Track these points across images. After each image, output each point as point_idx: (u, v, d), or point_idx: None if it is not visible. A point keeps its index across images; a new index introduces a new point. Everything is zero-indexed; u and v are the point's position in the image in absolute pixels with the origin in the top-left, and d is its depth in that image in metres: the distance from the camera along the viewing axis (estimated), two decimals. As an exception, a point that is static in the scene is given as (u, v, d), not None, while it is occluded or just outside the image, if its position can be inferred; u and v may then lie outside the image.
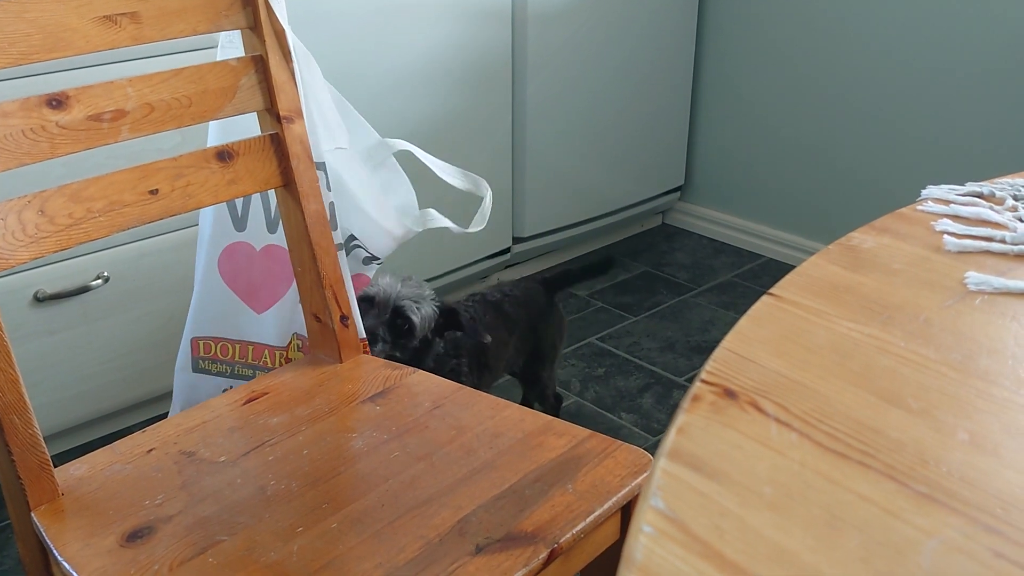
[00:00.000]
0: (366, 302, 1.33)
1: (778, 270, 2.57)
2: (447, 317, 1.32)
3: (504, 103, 2.24)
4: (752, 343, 0.54)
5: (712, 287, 2.48)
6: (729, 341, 0.54)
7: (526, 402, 1.89)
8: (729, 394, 0.49)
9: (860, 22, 2.31)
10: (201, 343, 1.47)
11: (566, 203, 2.47)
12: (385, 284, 1.32)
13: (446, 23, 2.05)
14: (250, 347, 1.47)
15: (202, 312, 1.45)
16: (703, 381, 0.50)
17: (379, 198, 1.41)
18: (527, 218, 2.38)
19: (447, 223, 1.39)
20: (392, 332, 1.30)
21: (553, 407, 1.84)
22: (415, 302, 1.30)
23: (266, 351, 1.46)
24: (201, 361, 1.47)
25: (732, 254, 2.68)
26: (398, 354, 1.30)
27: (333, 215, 1.33)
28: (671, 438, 0.45)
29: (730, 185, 2.72)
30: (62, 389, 1.69)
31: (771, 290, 0.60)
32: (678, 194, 2.80)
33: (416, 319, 1.29)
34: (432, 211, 1.43)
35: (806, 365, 0.52)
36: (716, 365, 0.51)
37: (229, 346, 1.47)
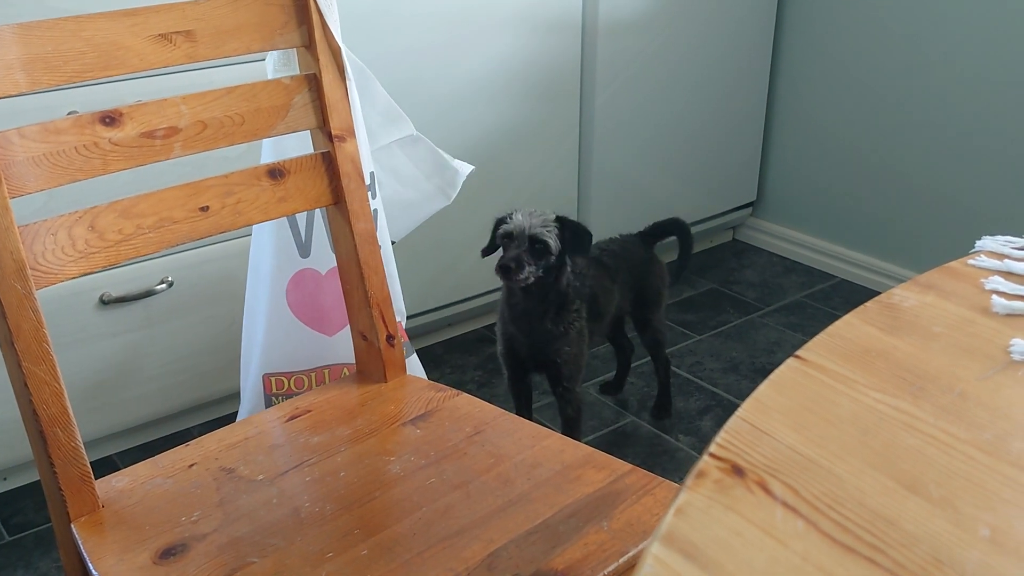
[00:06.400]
0: (507, 238, 1.56)
1: (850, 292, 2.49)
2: (565, 227, 1.59)
3: (572, 115, 2.22)
4: (770, 413, 0.51)
5: (781, 307, 2.42)
6: (746, 410, 0.51)
7: (622, 369, 2.07)
8: (737, 471, 0.46)
9: (937, 40, 2.23)
10: (273, 380, 1.47)
11: (633, 216, 2.42)
12: (519, 220, 1.56)
13: (515, 34, 2.04)
14: (326, 371, 1.48)
15: (273, 349, 1.46)
16: (711, 455, 0.48)
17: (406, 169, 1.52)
18: (592, 230, 2.35)
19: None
20: (533, 256, 1.54)
21: (664, 357, 1.96)
22: (544, 227, 1.55)
23: (344, 370, 1.47)
24: (275, 398, 1.48)
25: (803, 273, 2.62)
26: (543, 273, 1.57)
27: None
28: (667, 520, 0.43)
29: (803, 202, 2.66)
30: (124, 390, 1.73)
31: (798, 352, 0.57)
32: (749, 210, 2.75)
33: (550, 240, 1.54)
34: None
35: (824, 441, 0.49)
36: (728, 437, 0.49)
37: (304, 378, 1.47)
